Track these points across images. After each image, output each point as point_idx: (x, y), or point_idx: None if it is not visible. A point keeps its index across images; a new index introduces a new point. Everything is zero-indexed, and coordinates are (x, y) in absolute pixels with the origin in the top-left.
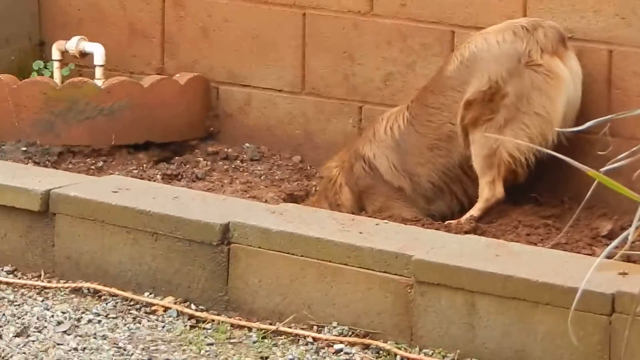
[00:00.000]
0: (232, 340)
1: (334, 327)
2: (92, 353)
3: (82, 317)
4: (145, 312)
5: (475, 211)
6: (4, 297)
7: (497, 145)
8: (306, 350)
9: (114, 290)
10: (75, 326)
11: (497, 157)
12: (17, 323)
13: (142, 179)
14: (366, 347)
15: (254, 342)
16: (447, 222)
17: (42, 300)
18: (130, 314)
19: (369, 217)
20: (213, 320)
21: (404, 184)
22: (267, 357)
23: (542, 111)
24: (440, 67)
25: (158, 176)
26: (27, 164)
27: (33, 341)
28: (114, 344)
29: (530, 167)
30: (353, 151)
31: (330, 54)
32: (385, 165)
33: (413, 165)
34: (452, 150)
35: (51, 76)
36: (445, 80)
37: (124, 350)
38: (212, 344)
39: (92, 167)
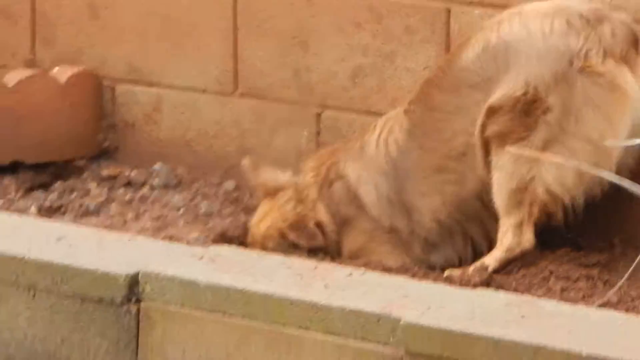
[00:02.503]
0: None
1: None
2: None
3: None
4: None
5: (491, 260)
6: None
7: (531, 176)
8: None
9: None
10: None
11: (530, 193)
12: None
13: (11, 212)
14: None
15: None
16: (447, 272)
17: None
18: None
19: (338, 264)
20: None
21: (399, 223)
22: None
23: (596, 136)
24: (450, 53)
25: (32, 209)
26: None
27: None
28: None
29: (575, 210)
30: (334, 162)
31: (274, 39)
32: (373, 196)
33: (414, 196)
34: (468, 173)
35: None
36: (460, 73)
37: None
38: None
39: None
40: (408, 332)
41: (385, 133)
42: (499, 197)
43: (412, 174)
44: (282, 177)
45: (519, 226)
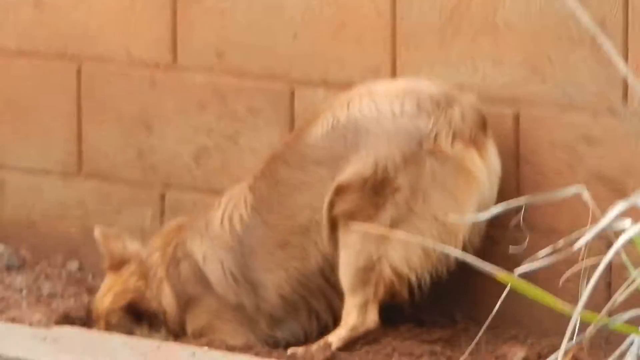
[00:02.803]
0: None
1: None
2: None
3: None
4: None
5: (334, 338)
6: None
7: (378, 255)
8: None
9: None
10: None
11: (377, 272)
12: None
13: None
14: None
15: None
16: (290, 350)
17: None
18: None
19: (182, 342)
20: None
21: (245, 300)
22: None
23: (443, 215)
24: (298, 128)
25: None
26: None
27: None
28: None
29: (421, 288)
30: (180, 241)
31: (118, 121)
32: (218, 273)
33: (259, 272)
34: (311, 249)
35: None
36: (306, 150)
37: None
38: None
39: None
40: None
41: (230, 209)
42: (345, 276)
43: (257, 250)
44: (130, 246)
45: (364, 306)
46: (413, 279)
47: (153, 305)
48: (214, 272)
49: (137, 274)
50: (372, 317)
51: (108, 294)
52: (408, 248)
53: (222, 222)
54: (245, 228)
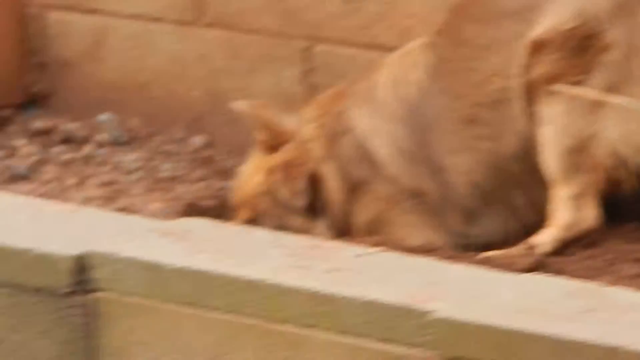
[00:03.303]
0: None
1: None
2: None
3: None
4: None
5: (542, 240)
6: None
7: (590, 132)
8: None
9: None
10: None
11: (589, 155)
12: None
13: None
14: None
15: None
16: (485, 254)
17: None
18: None
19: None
20: None
21: (426, 184)
22: None
23: None
24: None
25: None
26: None
27: None
28: None
29: None
30: (337, 113)
31: None
32: (389, 150)
33: (441, 152)
34: (505, 127)
35: None
36: (494, 0)
37: None
38: None
39: None
40: (442, 330)
41: (402, 71)
42: (550, 160)
43: (437, 125)
44: (289, 122)
45: (578, 198)
46: (638, 162)
47: (301, 181)
48: (382, 149)
49: (295, 152)
50: (590, 214)
51: (256, 174)
52: (629, 121)
53: (390, 88)
54: (422, 96)
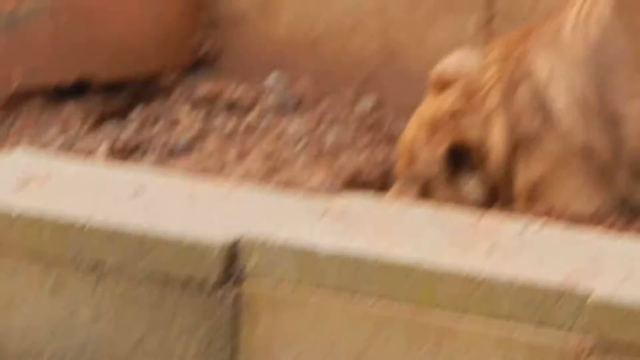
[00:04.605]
0: None
1: None
2: None
3: None
4: None
5: None
6: None
7: None
8: None
9: None
10: None
11: None
12: None
13: (73, 155)
14: None
15: None
16: None
17: None
18: None
19: (508, 213)
20: None
21: (598, 140)
22: None
23: None
24: None
25: (102, 148)
26: None
27: None
28: None
29: None
30: (518, 58)
31: None
32: (566, 99)
33: (622, 101)
34: None
35: None
36: None
37: None
38: None
39: None
40: (599, 314)
41: (587, 8)
42: None
43: (622, 69)
44: (468, 62)
45: None
46: None
47: (474, 144)
48: (559, 98)
49: (461, 101)
50: None
51: (414, 123)
52: None
53: (574, 28)
54: (603, 36)
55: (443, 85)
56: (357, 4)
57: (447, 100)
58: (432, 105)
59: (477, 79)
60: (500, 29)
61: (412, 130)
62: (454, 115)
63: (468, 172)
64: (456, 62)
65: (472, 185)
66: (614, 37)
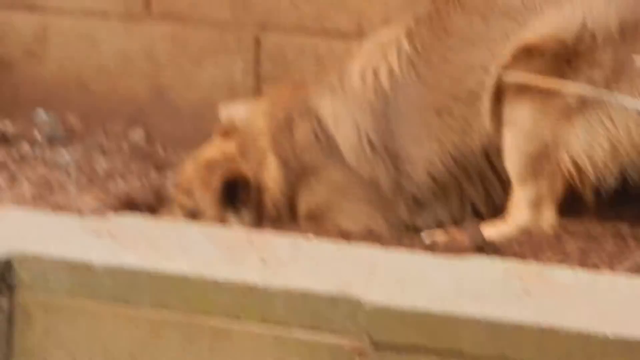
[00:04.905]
0: None
1: None
2: None
3: None
4: None
5: (492, 232)
6: None
7: (554, 140)
8: None
9: None
10: None
11: (552, 161)
12: None
13: None
14: None
15: None
16: (425, 233)
17: None
18: None
19: (281, 231)
20: None
21: (382, 175)
22: None
23: None
24: None
25: None
26: None
27: None
28: None
29: (605, 192)
30: (299, 100)
31: None
32: (352, 138)
33: (406, 142)
34: (476, 122)
35: None
36: None
37: None
38: None
39: None
40: (373, 317)
41: (375, 60)
42: (511, 162)
43: (407, 115)
44: (237, 113)
45: (537, 202)
46: (598, 175)
47: (251, 181)
48: (346, 137)
49: (235, 144)
50: (549, 216)
51: (192, 163)
52: (593, 136)
53: (363, 76)
54: (395, 85)
55: (227, 132)
56: (126, 47)
57: (223, 146)
58: (212, 149)
59: (248, 127)
60: (266, 72)
61: (189, 168)
62: (228, 158)
63: (238, 208)
64: (242, 111)
65: (240, 220)
66: (406, 88)
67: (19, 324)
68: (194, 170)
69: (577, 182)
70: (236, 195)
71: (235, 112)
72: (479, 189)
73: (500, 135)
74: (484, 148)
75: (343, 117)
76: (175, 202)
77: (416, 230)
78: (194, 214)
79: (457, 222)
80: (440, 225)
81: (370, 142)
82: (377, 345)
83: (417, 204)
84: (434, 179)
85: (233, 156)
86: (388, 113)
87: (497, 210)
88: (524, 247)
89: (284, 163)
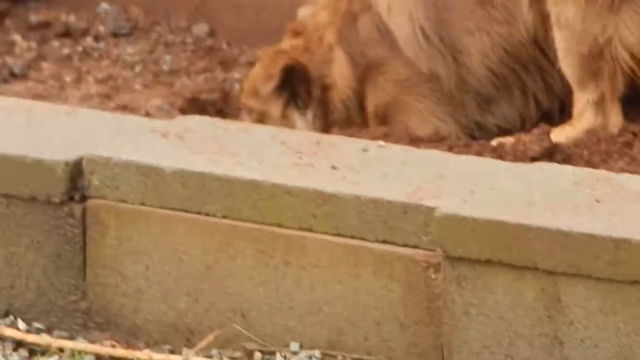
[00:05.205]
0: None
1: (294, 354)
2: None
3: None
4: None
5: (560, 136)
6: None
7: (606, 38)
8: None
9: None
10: None
11: (607, 59)
12: None
13: None
14: None
15: None
16: (496, 140)
17: None
18: None
19: (351, 135)
20: (62, 350)
21: (441, 68)
22: None
23: None
24: None
25: None
26: None
27: None
28: None
29: None
30: None
31: None
32: (407, 29)
33: (458, 33)
34: (514, 11)
35: None
36: None
37: None
38: None
39: None
40: (446, 227)
41: None
42: (567, 66)
43: (454, 4)
44: (303, 11)
45: (600, 104)
46: None
47: (311, 74)
48: (401, 27)
49: (302, 42)
50: (615, 118)
51: (260, 62)
52: None
53: None
54: None
55: (297, 32)
56: None
57: (290, 42)
58: (278, 47)
59: (314, 22)
60: None
61: (255, 70)
62: (292, 49)
63: (301, 106)
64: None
65: (306, 120)
66: None
67: (92, 232)
68: (260, 68)
69: (639, 75)
70: (296, 89)
71: (306, 12)
72: (537, 80)
73: (545, 29)
74: (531, 38)
75: (396, 7)
76: (243, 107)
77: (486, 132)
78: (261, 117)
79: (524, 120)
80: (510, 123)
81: (424, 33)
82: (451, 259)
83: (483, 100)
84: (492, 71)
85: (298, 49)
86: (439, 4)
87: (562, 103)
88: (593, 152)
89: (351, 58)
